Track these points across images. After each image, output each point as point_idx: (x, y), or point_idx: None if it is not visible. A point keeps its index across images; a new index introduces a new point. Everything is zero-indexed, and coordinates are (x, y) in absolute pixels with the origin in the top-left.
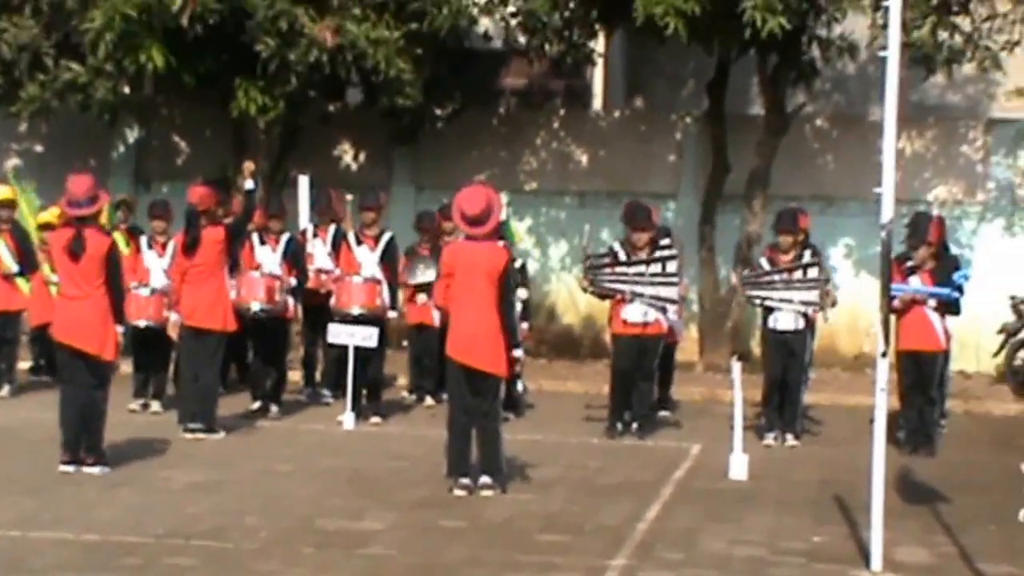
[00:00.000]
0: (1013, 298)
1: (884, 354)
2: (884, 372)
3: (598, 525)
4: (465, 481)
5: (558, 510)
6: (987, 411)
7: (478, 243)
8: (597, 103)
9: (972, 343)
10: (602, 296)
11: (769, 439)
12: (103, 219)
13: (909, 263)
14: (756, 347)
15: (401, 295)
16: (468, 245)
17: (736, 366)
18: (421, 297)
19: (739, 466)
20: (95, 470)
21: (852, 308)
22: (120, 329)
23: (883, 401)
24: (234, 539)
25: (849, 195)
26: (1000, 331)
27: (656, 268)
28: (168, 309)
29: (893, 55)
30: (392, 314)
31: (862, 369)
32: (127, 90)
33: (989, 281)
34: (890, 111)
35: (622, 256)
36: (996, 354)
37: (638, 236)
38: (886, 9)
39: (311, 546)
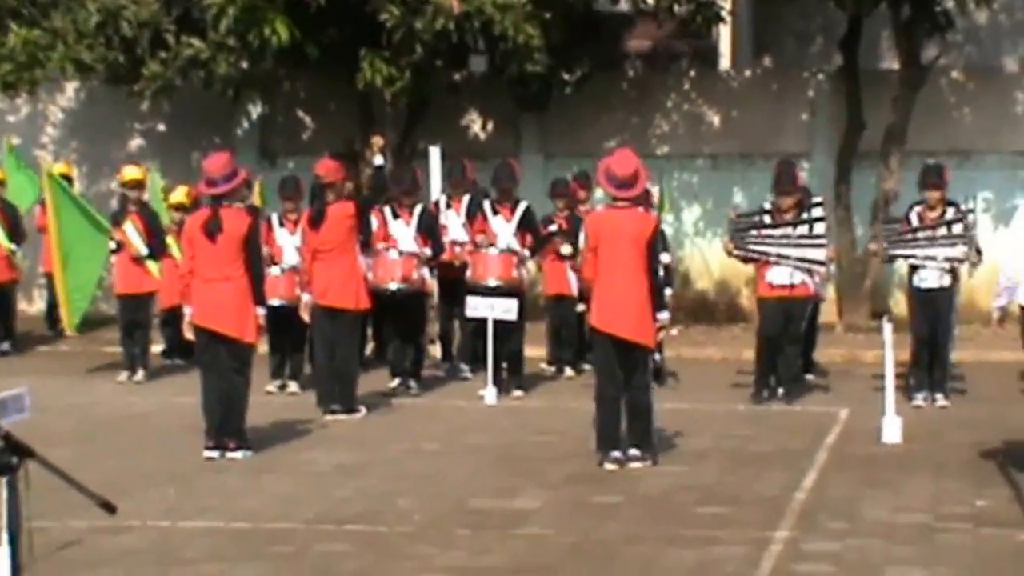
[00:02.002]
0: None
1: None
2: None
3: (756, 496)
4: (616, 454)
5: (713, 481)
6: None
7: (623, 210)
8: (724, 63)
9: None
10: (746, 260)
11: (919, 400)
12: (256, 199)
13: None
14: (895, 306)
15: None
16: (613, 213)
17: (887, 326)
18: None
19: (892, 429)
20: (238, 455)
21: (991, 263)
22: (261, 311)
23: None
24: (387, 523)
25: (987, 149)
26: None
27: (803, 230)
28: (300, 289)
29: None
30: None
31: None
32: (249, 65)
33: None
34: None
35: (767, 220)
36: None
37: (783, 199)
38: None
39: (466, 527)
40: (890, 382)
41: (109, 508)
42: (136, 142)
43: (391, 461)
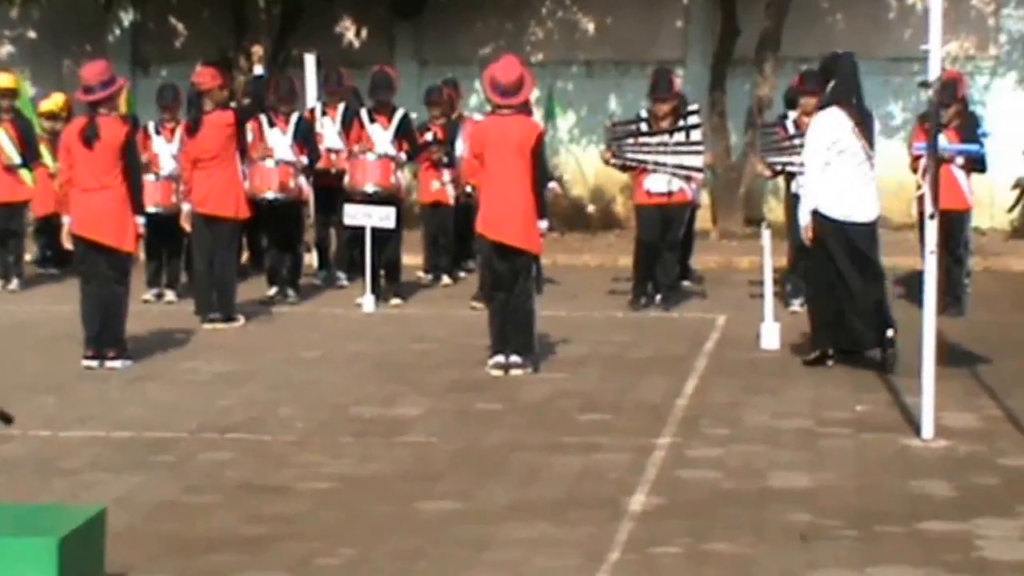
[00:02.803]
0: None
1: (932, 216)
2: (933, 234)
3: (637, 402)
4: (500, 359)
5: (594, 388)
6: (1006, 267)
7: (508, 117)
8: None
9: (986, 199)
10: (624, 168)
11: (796, 306)
12: (123, 107)
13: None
14: (769, 213)
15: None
16: (498, 120)
17: (766, 233)
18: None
19: (771, 335)
20: (117, 364)
21: None
22: (140, 220)
23: (932, 264)
24: (271, 431)
25: (860, 55)
26: (1015, 186)
27: (680, 137)
28: (179, 198)
29: None
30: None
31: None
32: None
33: (1002, 136)
34: None
35: (644, 127)
36: (1011, 209)
37: (659, 107)
38: None
39: (350, 435)
40: (769, 289)
41: (5, 419)
42: (6, 49)
43: (271, 369)
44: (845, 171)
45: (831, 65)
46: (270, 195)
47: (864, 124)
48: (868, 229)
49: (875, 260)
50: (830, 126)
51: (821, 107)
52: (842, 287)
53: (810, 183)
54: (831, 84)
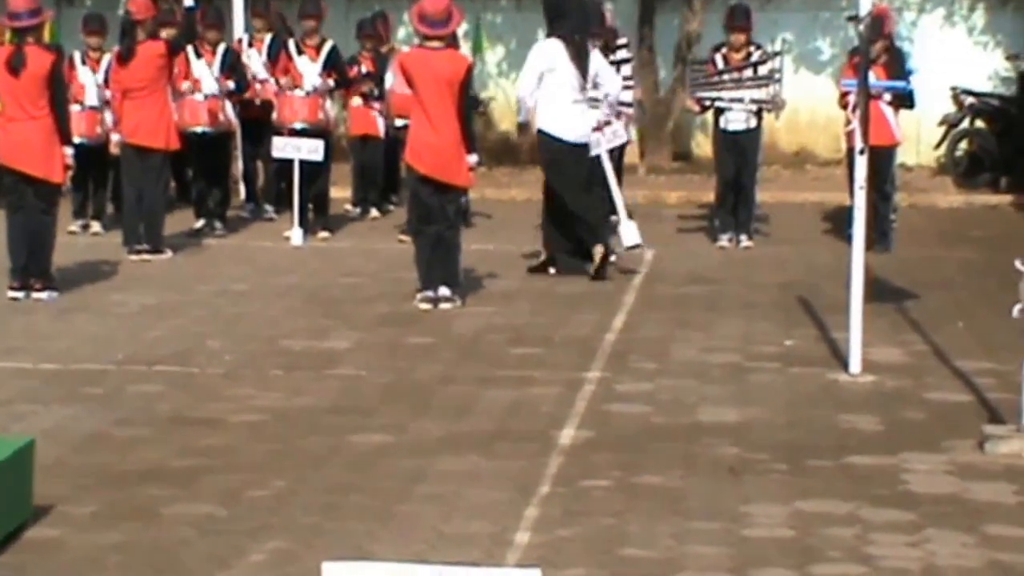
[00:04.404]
0: (953, 89)
1: (862, 151)
2: (863, 169)
3: (567, 336)
4: (429, 293)
5: (524, 322)
6: (932, 203)
7: (436, 51)
8: None
9: (912, 135)
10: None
11: (724, 241)
12: (46, 36)
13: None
14: (696, 148)
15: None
16: (426, 53)
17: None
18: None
19: (630, 233)
20: (44, 296)
21: (792, 104)
22: (68, 151)
23: (861, 200)
24: (199, 363)
25: None
26: (941, 123)
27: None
28: (104, 129)
29: None
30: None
31: (802, 166)
32: None
33: (929, 73)
34: None
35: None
36: (937, 146)
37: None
38: None
39: (279, 368)
40: (616, 193)
41: None
42: None
43: (200, 302)
44: (562, 96)
45: (562, 3)
46: (200, 129)
47: (580, 57)
48: (582, 150)
49: (593, 179)
50: (548, 54)
51: (547, 36)
52: (569, 198)
53: (523, 101)
54: (558, 19)
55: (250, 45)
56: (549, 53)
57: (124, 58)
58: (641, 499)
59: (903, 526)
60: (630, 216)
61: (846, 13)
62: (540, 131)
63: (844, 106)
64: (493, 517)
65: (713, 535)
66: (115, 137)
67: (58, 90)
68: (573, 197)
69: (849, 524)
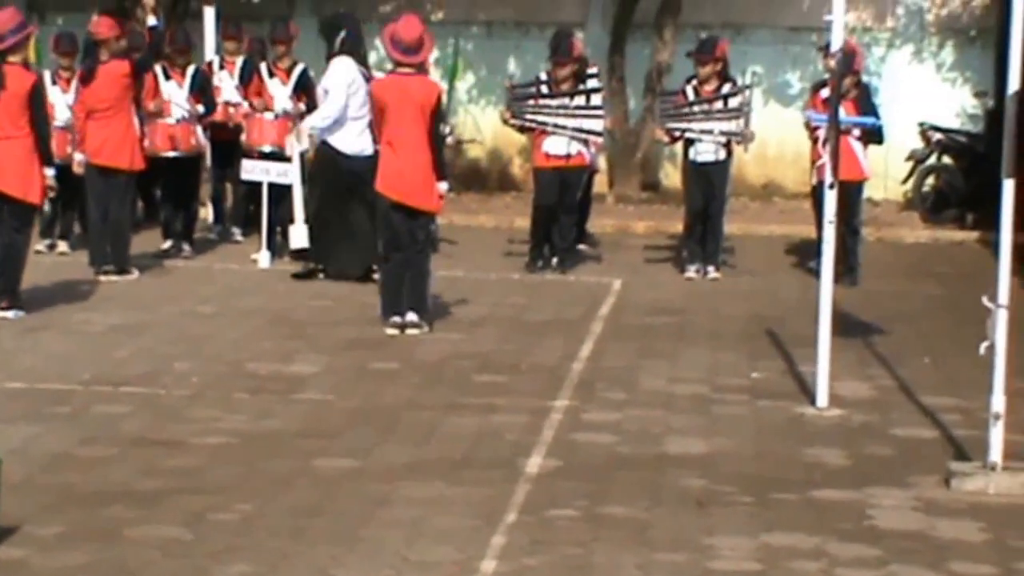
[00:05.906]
0: (921, 125)
1: (832, 185)
2: (832, 203)
3: (534, 364)
4: (397, 319)
5: (491, 349)
6: (899, 238)
7: (409, 76)
8: None
9: (880, 170)
10: (522, 129)
11: (691, 272)
12: (31, 56)
13: (824, 92)
14: (665, 179)
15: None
16: (399, 79)
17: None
18: None
19: (299, 235)
20: (10, 314)
21: (761, 137)
22: (48, 171)
23: (831, 234)
24: (166, 385)
25: (759, 23)
26: (908, 158)
27: (580, 100)
28: (73, 147)
29: None
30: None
31: (770, 198)
32: None
33: (897, 109)
34: None
35: (544, 90)
36: (905, 181)
37: (560, 70)
38: None
39: (245, 391)
40: None
41: None
42: None
43: (166, 323)
44: (352, 110)
45: (339, 20)
46: (171, 155)
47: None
48: (364, 162)
49: (368, 194)
50: (350, 68)
51: (335, 55)
52: (337, 212)
53: (328, 118)
54: (341, 36)
55: (221, 67)
56: (353, 69)
57: (87, 78)
58: (607, 529)
59: (868, 561)
60: (307, 221)
61: (816, 48)
62: (325, 144)
63: (814, 141)
64: (459, 544)
65: (678, 567)
66: (78, 156)
67: (38, 110)
68: (348, 211)
69: (815, 558)
